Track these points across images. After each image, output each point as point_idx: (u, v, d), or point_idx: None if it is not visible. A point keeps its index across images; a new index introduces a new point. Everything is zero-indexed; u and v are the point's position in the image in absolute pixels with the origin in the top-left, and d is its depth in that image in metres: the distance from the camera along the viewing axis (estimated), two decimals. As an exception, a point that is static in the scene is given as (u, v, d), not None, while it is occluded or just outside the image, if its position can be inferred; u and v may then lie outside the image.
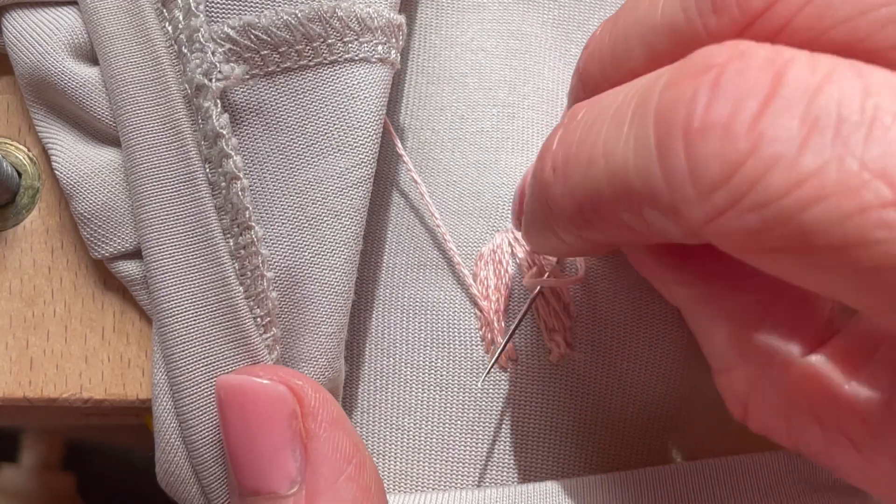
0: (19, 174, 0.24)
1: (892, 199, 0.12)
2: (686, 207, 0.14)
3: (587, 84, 0.19)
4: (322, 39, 0.21)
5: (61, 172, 0.22)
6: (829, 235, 0.13)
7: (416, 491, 0.24)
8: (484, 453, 0.24)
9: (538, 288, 0.23)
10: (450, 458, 0.24)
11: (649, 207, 0.15)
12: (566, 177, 0.17)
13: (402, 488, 0.24)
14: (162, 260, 0.21)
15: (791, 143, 0.13)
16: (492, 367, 0.23)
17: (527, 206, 0.20)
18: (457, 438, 0.24)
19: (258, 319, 0.21)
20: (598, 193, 0.16)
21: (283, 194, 0.21)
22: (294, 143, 0.21)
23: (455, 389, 0.24)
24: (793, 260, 0.13)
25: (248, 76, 0.21)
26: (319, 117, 0.21)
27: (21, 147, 0.24)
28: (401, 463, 0.24)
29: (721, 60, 0.14)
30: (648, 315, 0.24)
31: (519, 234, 0.25)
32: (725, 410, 0.24)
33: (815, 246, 0.13)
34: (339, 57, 0.21)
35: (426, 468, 0.24)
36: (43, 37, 0.22)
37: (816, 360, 0.16)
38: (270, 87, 0.21)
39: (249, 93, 0.21)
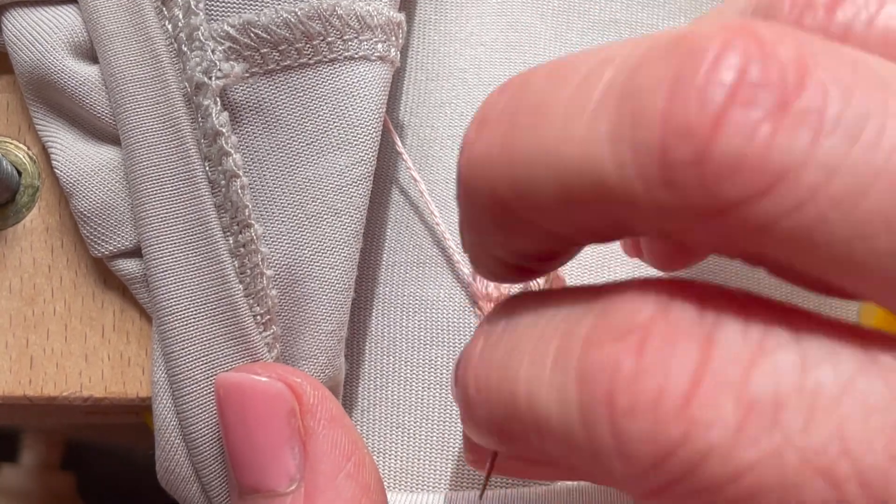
0: (19, 173, 0.24)
1: (834, 499, 0.11)
2: (619, 482, 0.13)
3: (474, 209, 0.15)
4: (322, 37, 0.21)
5: (61, 171, 0.22)
6: None
7: (417, 489, 0.24)
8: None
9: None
10: (450, 457, 0.24)
11: (580, 463, 0.14)
12: (489, 406, 0.15)
13: (402, 486, 0.24)
14: (162, 258, 0.21)
15: (725, 430, 0.12)
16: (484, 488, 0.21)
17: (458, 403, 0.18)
18: (457, 437, 0.24)
19: (258, 317, 0.21)
20: (524, 433, 0.14)
21: (283, 192, 0.21)
22: (294, 140, 0.21)
23: (455, 388, 0.24)
24: None
25: (247, 74, 0.21)
26: (319, 115, 0.21)
27: (21, 146, 0.24)
28: (401, 461, 0.24)
29: (643, 320, 0.13)
30: None
31: None
32: None
33: None
34: (339, 55, 0.21)
35: (426, 466, 0.24)
36: (42, 35, 0.22)
37: None
38: (270, 86, 0.21)
39: (249, 91, 0.21)
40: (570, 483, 0.23)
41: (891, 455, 0.11)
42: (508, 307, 0.16)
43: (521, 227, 0.14)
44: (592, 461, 0.13)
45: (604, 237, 0.14)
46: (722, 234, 0.12)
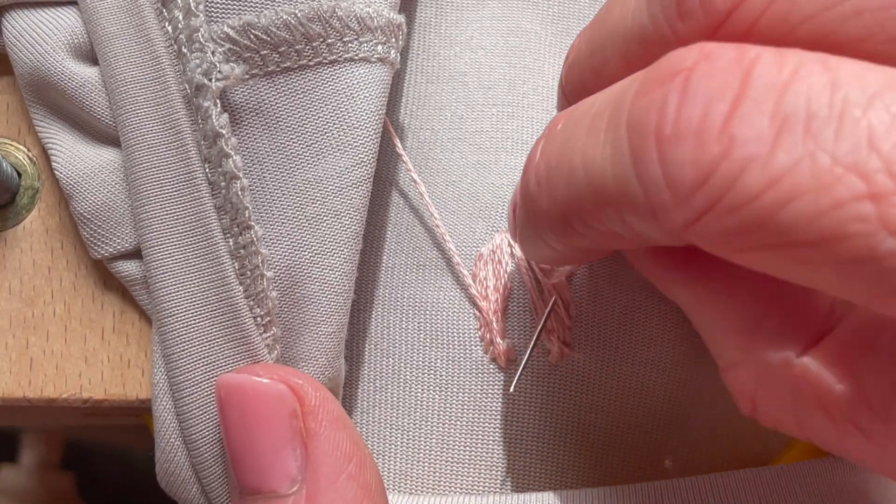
0: (19, 174, 0.24)
1: (865, 192, 0.12)
2: (665, 213, 0.14)
3: (570, 94, 0.20)
4: (322, 39, 0.21)
5: (61, 172, 0.22)
6: (806, 232, 0.13)
7: (416, 491, 0.24)
8: (483, 454, 0.24)
9: (553, 299, 0.23)
10: (449, 459, 0.24)
11: (630, 214, 0.15)
12: (549, 188, 0.17)
13: (401, 488, 0.24)
14: (162, 259, 0.21)
15: (762, 143, 0.13)
16: (521, 371, 0.23)
17: (518, 218, 0.20)
18: (456, 439, 0.24)
19: (258, 319, 0.21)
20: (580, 203, 0.16)
21: (283, 194, 0.21)
22: (294, 142, 0.21)
23: (454, 390, 0.24)
24: (775, 257, 0.14)
25: (247, 76, 0.21)
26: (319, 117, 0.21)
27: (21, 147, 0.24)
28: (400, 463, 0.24)
29: (688, 64, 0.14)
30: (648, 316, 0.24)
31: None
32: (727, 411, 0.24)
33: (794, 243, 0.13)
34: (339, 56, 0.21)
35: (425, 468, 0.24)
36: (43, 37, 0.22)
37: (811, 361, 0.16)
38: (270, 87, 0.21)
39: (249, 92, 0.21)
40: (568, 492, 0.23)
41: None
42: (565, 111, 0.18)
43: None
44: (645, 205, 0.15)
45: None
46: (729, 36, 0.15)
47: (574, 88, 0.20)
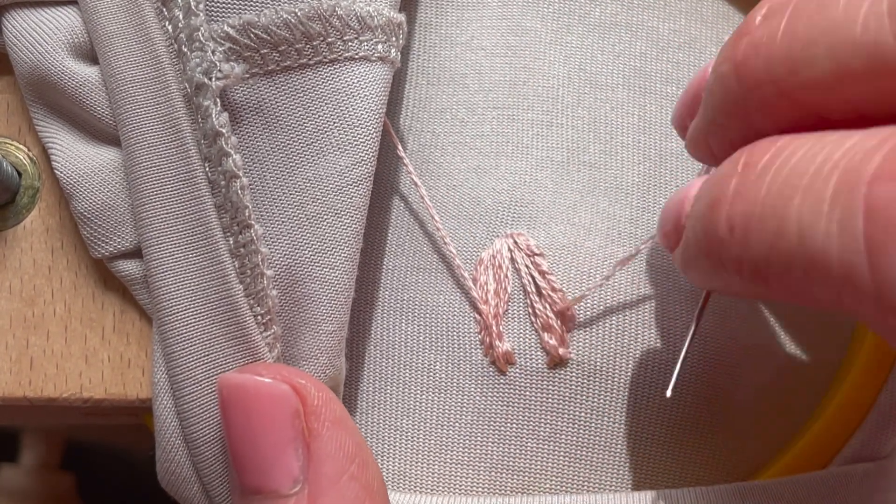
0: (19, 174, 0.24)
1: None
2: (890, 314, 0.13)
3: (748, 79, 0.17)
4: (322, 38, 0.21)
5: (61, 172, 0.22)
6: None
7: (415, 493, 0.24)
8: (481, 456, 0.24)
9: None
10: (448, 461, 0.24)
11: (850, 298, 0.14)
12: (746, 242, 0.16)
13: (400, 490, 0.24)
14: (162, 258, 0.21)
15: None
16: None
17: (686, 246, 0.18)
18: (455, 441, 0.24)
19: (258, 317, 0.21)
20: (785, 268, 0.15)
21: (283, 192, 0.21)
22: (294, 141, 0.21)
23: (453, 392, 0.24)
24: None
25: (247, 75, 0.21)
26: (319, 116, 0.21)
27: (21, 147, 0.24)
28: (398, 464, 0.24)
29: None
30: (647, 321, 0.24)
31: (519, 240, 0.24)
32: (733, 418, 0.24)
33: None
34: (339, 55, 0.21)
35: (424, 470, 0.24)
36: (43, 36, 0.22)
37: None
38: (270, 86, 0.21)
39: (249, 91, 0.21)
40: (568, 497, 0.23)
41: None
42: (770, 147, 0.16)
43: (781, 106, 0.16)
44: (874, 298, 0.13)
45: (862, 114, 0.15)
46: None
47: (755, 76, 0.16)
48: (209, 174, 0.21)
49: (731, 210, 0.16)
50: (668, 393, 0.21)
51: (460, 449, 0.24)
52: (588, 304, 0.24)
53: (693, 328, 0.22)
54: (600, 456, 0.24)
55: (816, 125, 0.15)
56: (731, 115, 0.17)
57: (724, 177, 0.16)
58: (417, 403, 0.24)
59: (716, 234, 0.16)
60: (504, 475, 0.24)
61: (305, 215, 0.21)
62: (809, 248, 0.14)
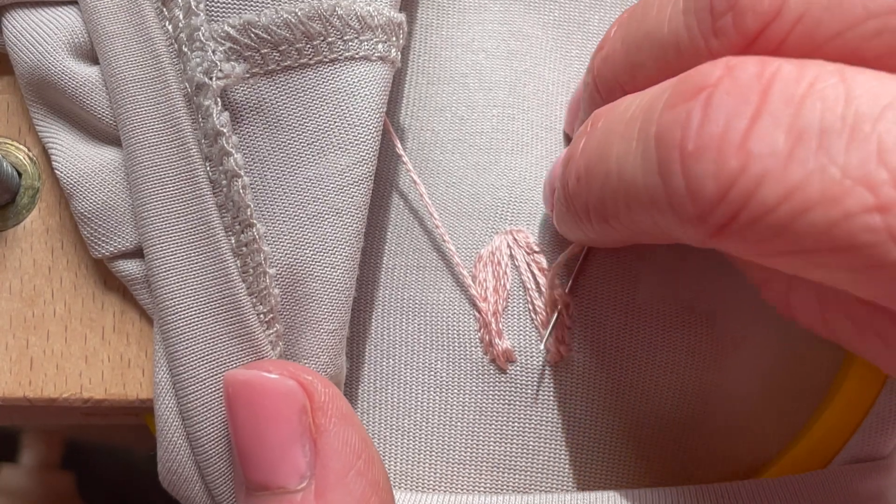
0: (19, 174, 0.24)
1: (874, 203, 0.13)
2: (690, 223, 0.15)
3: (602, 87, 0.21)
4: (322, 38, 0.21)
5: (61, 172, 0.22)
6: (820, 241, 0.14)
7: (417, 492, 0.24)
8: (483, 455, 0.24)
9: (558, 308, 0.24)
10: (450, 460, 0.24)
11: (661, 219, 0.16)
12: (588, 188, 0.18)
13: (402, 488, 0.24)
14: (164, 258, 0.21)
15: (777, 158, 0.14)
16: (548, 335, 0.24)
17: (557, 204, 0.21)
18: (457, 440, 0.24)
19: (261, 316, 0.21)
20: (616, 204, 0.17)
21: (284, 192, 0.21)
22: (294, 140, 0.21)
23: (454, 391, 0.24)
24: (796, 262, 0.14)
25: (248, 75, 0.21)
26: (320, 115, 0.21)
27: (21, 147, 0.24)
28: (401, 464, 0.24)
29: (713, 80, 0.15)
30: (648, 317, 0.24)
31: (518, 237, 0.25)
32: (731, 416, 0.24)
33: (810, 250, 0.14)
34: (340, 55, 0.21)
35: (427, 469, 0.24)
36: (43, 36, 0.22)
37: None
38: (271, 86, 0.21)
39: (250, 91, 0.21)
40: (572, 495, 0.23)
41: None
42: (605, 109, 0.19)
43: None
44: (670, 211, 0.15)
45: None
46: (764, 51, 0.15)
47: (607, 84, 0.20)
48: (210, 174, 0.21)
49: (578, 165, 0.19)
50: (542, 346, 0.24)
51: (462, 448, 0.24)
52: (589, 299, 0.24)
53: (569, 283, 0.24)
54: (602, 453, 0.24)
55: None
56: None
57: (576, 137, 0.20)
58: (418, 403, 0.24)
59: (569, 186, 0.19)
60: (505, 473, 0.24)
61: (306, 214, 0.21)
62: (625, 180, 0.17)
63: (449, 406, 0.24)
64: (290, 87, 0.21)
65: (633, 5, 0.20)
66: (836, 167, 0.13)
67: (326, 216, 0.21)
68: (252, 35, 0.21)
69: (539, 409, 0.24)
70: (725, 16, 0.16)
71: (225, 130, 0.20)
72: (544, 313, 0.24)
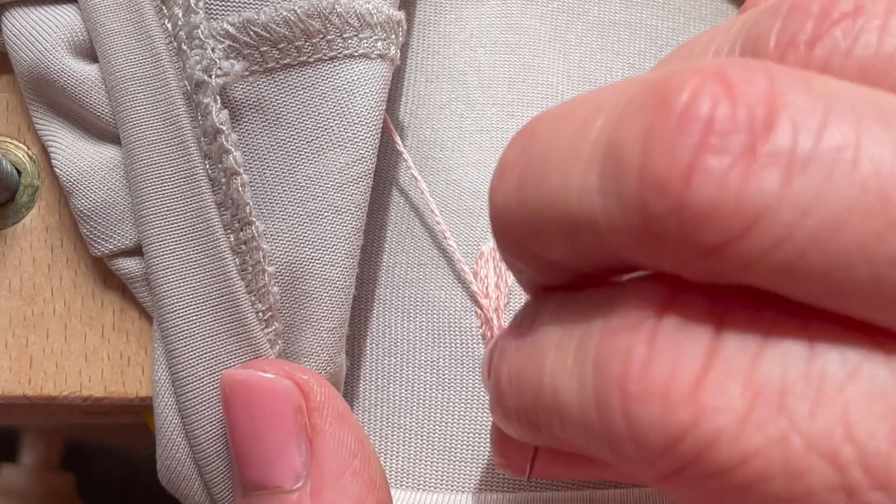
0: (19, 172, 0.24)
1: (838, 482, 0.12)
2: (632, 465, 0.13)
3: (506, 252, 0.17)
4: (321, 36, 0.21)
5: (61, 170, 0.22)
6: None
7: (418, 490, 0.24)
8: (485, 453, 0.24)
9: None
10: (454, 458, 0.24)
11: (599, 454, 0.14)
12: (518, 395, 0.16)
13: (403, 487, 0.24)
14: (163, 256, 0.21)
15: (733, 416, 0.12)
16: None
17: (490, 398, 0.18)
18: (460, 438, 0.24)
19: (260, 314, 0.21)
20: (549, 420, 0.15)
21: (284, 190, 0.21)
22: (294, 138, 0.21)
23: (457, 388, 0.24)
24: None
25: (247, 72, 0.21)
26: (319, 113, 0.21)
27: (20, 145, 0.24)
28: (403, 462, 0.24)
29: (656, 311, 0.13)
30: None
31: None
32: None
33: None
34: (339, 53, 0.21)
35: (427, 467, 0.24)
36: (42, 34, 0.22)
37: None
38: (270, 84, 0.21)
39: (249, 89, 0.21)
40: (572, 493, 0.23)
41: (894, 441, 0.11)
42: (538, 302, 0.16)
43: (538, 261, 0.15)
44: (609, 448, 0.13)
45: (611, 271, 0.15)
46: (708, 271, 0.12)
47: (510, 244, 0.16)
48: (209, 171, 0.21)
49: (510, 364, 0.16)
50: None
51: (464, 446, 0.24)
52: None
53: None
54: None
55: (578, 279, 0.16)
56: (515, 271, 0.18)
57: (508, 329, 0.17)
58: (420, 400, 0.24)
59: (499, 385, 0.17)
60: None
61: (306, 212, 0.21)
62: (559, 400, 0.14)
63: (451, 403, 0.24)
64: (289, 84, 0.21)
65: (534, 120, 0.15)
66: (799, 436, 0.12)
67: (326, 214, 0.21)
68: (251, 33, 0.21)
69: None
70: (665, 218, 0.12)
71: (224, 128, 0.20)
72: None
